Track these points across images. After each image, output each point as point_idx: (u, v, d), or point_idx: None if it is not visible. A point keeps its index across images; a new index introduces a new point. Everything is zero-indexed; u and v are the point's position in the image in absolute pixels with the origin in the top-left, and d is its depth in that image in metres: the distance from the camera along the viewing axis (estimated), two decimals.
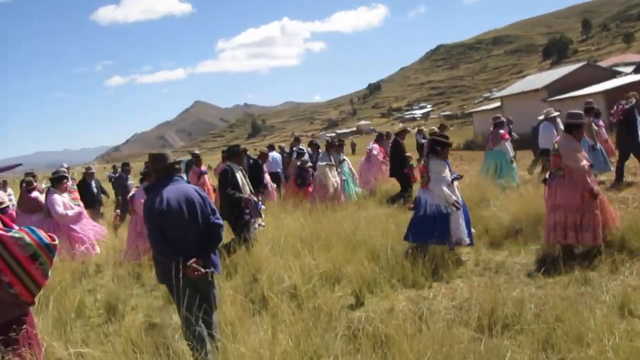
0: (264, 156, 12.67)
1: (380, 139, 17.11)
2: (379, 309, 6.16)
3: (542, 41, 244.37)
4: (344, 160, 14.66)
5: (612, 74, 37.57)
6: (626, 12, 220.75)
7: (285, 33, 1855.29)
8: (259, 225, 8.81)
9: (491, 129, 14.18)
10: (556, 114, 13.44)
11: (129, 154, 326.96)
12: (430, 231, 7.83)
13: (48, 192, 9.49)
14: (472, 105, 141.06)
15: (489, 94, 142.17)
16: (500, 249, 8.29)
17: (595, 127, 13.20)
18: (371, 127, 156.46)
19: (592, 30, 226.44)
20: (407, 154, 13.56)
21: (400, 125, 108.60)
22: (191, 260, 4.76)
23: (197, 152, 18.56)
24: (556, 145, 7.61)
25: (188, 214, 4.90)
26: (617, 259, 6.75)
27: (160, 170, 5.10)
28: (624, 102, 12.30)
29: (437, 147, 8.10)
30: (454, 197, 7.89)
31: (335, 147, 14.02)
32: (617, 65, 48.18)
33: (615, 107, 12.54)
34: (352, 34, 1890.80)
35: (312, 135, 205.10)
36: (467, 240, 7.96)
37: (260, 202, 8.92)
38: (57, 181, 9.56)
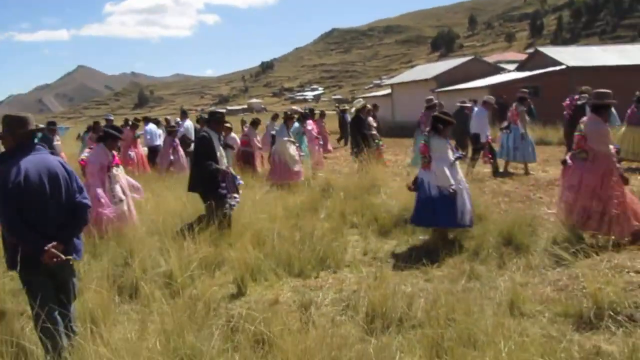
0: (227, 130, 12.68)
1: (310, 115, 16.47)
2: (262, 299, 5.74)
3: (432, 33, 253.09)
4: (303, 134, 13.99)
5: (496, 69, 39.15)
6: (509, 12, 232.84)
7: (178, 2, 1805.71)
8: (236, 201, 7.99)
9: (422, 111, 14.10)
10: (492, 99, 13.45)
11: (2, 116, 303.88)
12: (435, 214, 7.39)
13: None
14: (363, 90, 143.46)
15: (379, 81, 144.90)
16: (389, 238, 8.09)
17: (527, 117, 13.46)
18: (262, 106, 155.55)
19: (477, 27, 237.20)
20: (373, 132, 13.01)
21: (293, 106, 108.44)
22: (49, 245, 4.04)
23: (111, 117, 17.63)
24: (582, 126, 7.19)
25: (50, 189, 4.14)
26: (505, 253, 6.71)
27: (19, 137, 4.27)
28: (576, 96, 12.38)
29: (439, 125, 7.55)
30: (452, 182, 7.36)
31: (293, 120, 13.24)
32: (500, 62, 50.33)
33: (568, 101, 12.60)
34: (248, 10, 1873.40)
35: (201, 110, 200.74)
36: (468, 222, 7.49)
37: (238, 177, 8.11)
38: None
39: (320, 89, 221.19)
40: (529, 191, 10.95)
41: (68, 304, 4.30)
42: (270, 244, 7.00)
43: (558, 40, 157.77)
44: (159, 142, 15.46)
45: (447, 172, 7.39)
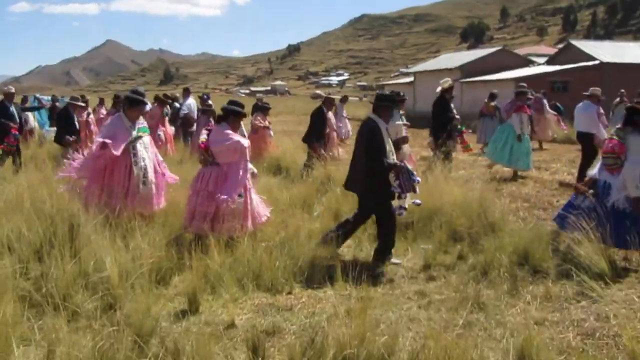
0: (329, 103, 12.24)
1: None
2: (214, 320, 4.67)
3: (462, 24, 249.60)
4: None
5: (525, 62, 37.56)
6: (542, 6, 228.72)
7: None
8: (415, 203, 6.61)
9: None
10: (598, 90, 11.73)
11: (29, 86, 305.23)
12: (634, 231, 5.72)
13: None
14: (388, 78, 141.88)
15: (405, 69, 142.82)
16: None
17: None
18: (286, 89, 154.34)
19: (509, 20, 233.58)
20: (456, 116, 11.27)
21: (317, 91, 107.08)
22: None
23: (140, 89, 16.47)
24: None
25: None
26: (519, 276, 5.56)
27: None
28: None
29: (636, 117, 6.05)
30: None
31: (404, 102, 11.82)
32: (531, 55, 48.53)
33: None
34: None
35: (225, 89, 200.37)
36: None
37: (414, 172, 6.58)
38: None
39: (345, 74, 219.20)
40: (552, 196, 9.75)
41: None
42: (242, 247, 5.90)
43: (591, 36, 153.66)
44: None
45: None
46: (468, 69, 34.90)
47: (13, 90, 12.40)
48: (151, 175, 6.99)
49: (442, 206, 7.40)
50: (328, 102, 12.50)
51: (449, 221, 7.08)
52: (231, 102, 7.08)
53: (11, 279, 5.15)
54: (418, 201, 6.67)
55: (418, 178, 6.52)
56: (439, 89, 11.21)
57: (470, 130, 12.52)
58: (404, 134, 11.08)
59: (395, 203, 6.50)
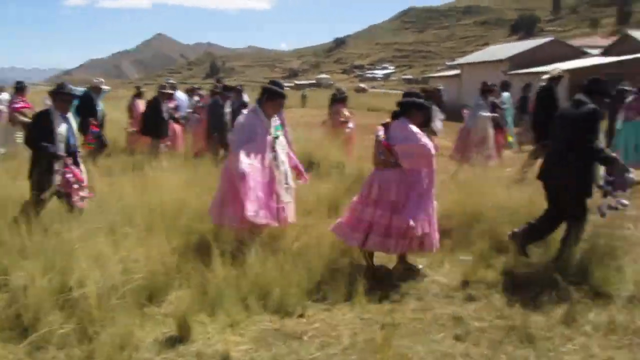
0: None
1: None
2: (206, 352, 3.92)
3: (512, 16, 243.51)
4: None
5: (578, 53, 35.79)
6: None
7: None
8: (622, 204, 5.59)
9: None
10: None
11: (81, 79, 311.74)
12: None
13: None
14: (434, 71, 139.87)
15: (451, 62, 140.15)
16: (418, 255, 6.09)
17: None
18: (330, 82, 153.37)
19: (561, 12, 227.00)
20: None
21: (362, 85, 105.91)
22: None
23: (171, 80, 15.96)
24: None
25: None
26: (575, 299, 4.63)
27: None
28: None
29: None
30: None
31: (493, 91, 10.80)
32: (584, 47, 46.38)
33: None
34: None
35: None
36: None
37: (629, 169, 5.62)
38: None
39: (390, 67, 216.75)
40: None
41: None
42: (250, 259, 5.11)
43: None
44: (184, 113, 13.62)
45: None
46: (517, 61, 33.39)
47: (103, 82, 11.98)
48: (291, 181, 6.14)
49: (484, 211, 6.47)
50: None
51: (492, 229, 6.15)
52: (409, 94, 5.85)
53: None
54: (625, 202, 5.66)
55: (633, 175, 5.56)
56: (545, 76, 9.86)
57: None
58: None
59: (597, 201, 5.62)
